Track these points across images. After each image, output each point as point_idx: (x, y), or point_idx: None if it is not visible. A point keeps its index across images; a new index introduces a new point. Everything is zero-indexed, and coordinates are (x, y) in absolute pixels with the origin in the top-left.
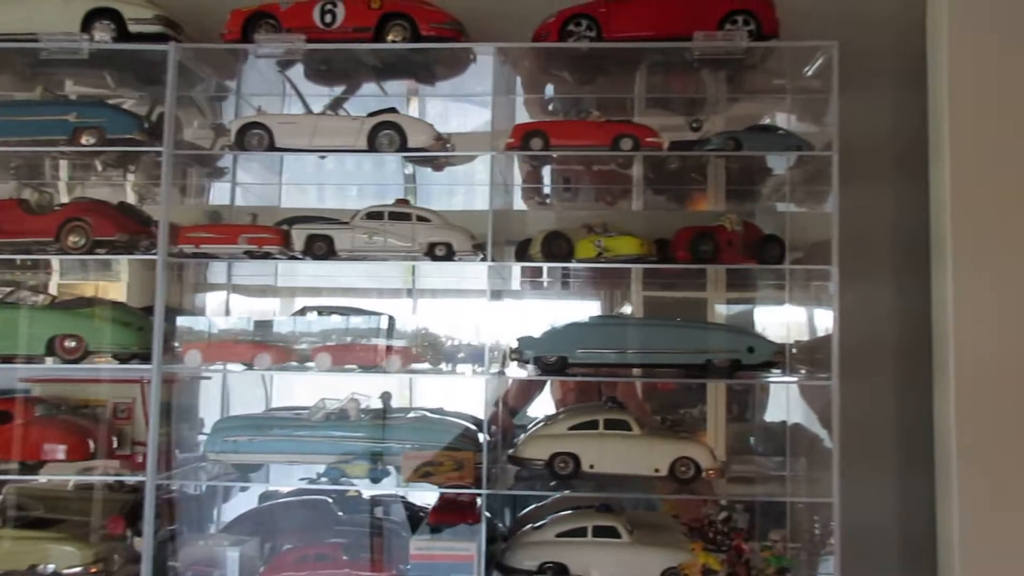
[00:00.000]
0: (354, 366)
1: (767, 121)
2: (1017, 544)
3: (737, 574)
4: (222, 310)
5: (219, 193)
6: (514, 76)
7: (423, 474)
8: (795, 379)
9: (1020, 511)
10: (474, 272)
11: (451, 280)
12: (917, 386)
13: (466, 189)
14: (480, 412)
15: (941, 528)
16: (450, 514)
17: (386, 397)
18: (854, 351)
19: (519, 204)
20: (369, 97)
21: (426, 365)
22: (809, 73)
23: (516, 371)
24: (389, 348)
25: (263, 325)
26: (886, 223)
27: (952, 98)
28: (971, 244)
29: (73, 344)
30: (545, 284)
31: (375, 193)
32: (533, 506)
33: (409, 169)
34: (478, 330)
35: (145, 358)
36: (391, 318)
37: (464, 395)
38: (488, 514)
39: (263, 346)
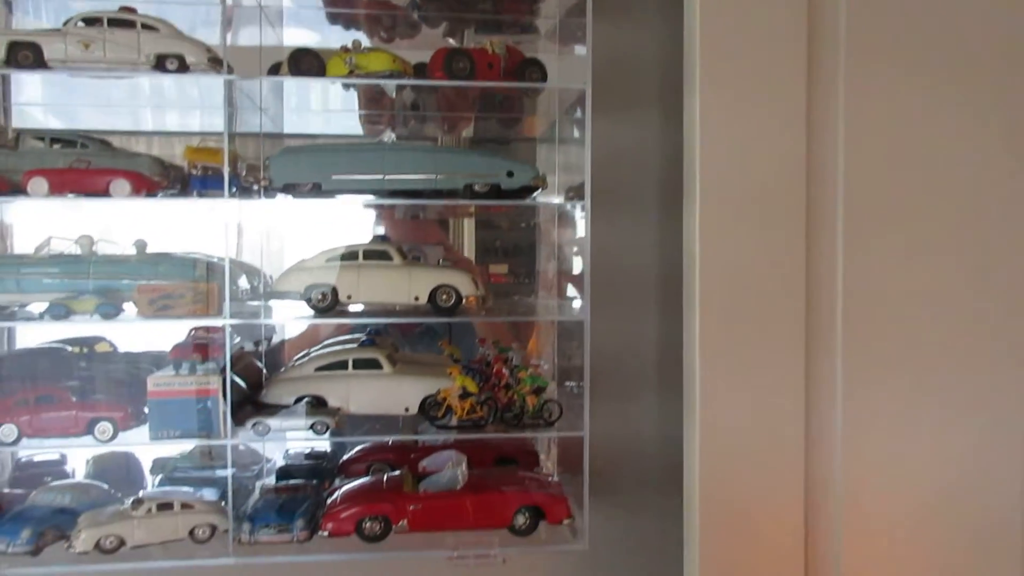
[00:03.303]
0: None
1: None
2: (754, 411)
3: (496, 397)
4: None
5: None
6: None
7: (160, 307)
8: (557, 202)
9: (759, 383)
10: None
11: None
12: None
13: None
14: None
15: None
16: (191, 349)
17: (140, 244)
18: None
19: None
20: None
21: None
22: None
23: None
24: (122, 173)
25: None
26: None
27: None
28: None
29: None
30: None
31: None
32: (303, 353)
33: None
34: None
35: None
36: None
37: None
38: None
39: None
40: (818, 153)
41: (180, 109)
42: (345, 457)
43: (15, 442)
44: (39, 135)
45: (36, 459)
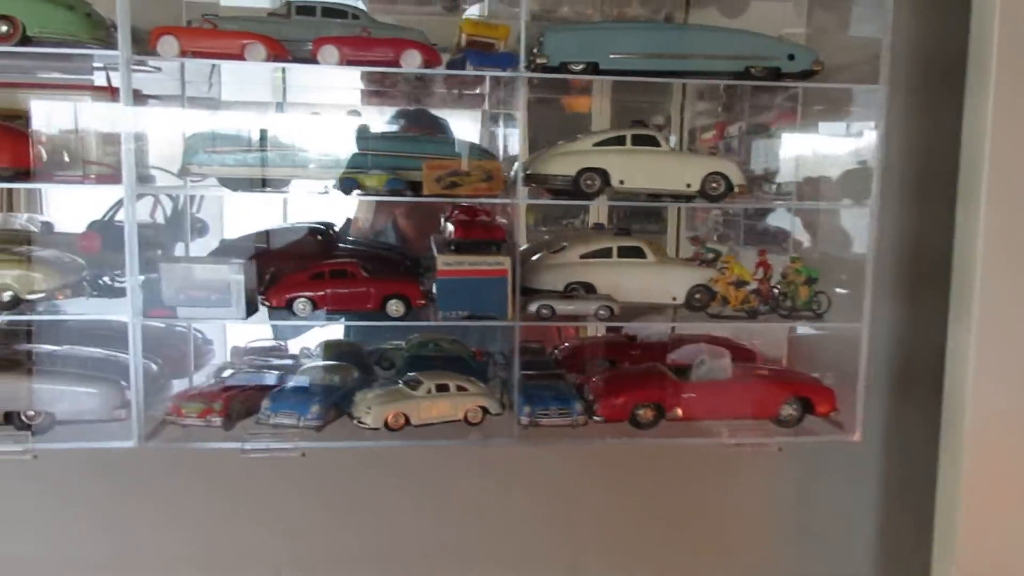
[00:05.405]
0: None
1: None
2: None
3: (760, 291)
4: None
5: None
6: None
7: (448, 184)
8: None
9: None
10: None
11: None
12: None
13: None
14: None
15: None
16: (476, 230)
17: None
18: None
19: None
20: None
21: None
22: None
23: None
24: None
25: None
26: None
27: None
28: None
29: (5, 28)
30: None
31: None
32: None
33: None
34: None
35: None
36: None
37: None
38: None
39: (257, 36)
40: None
41: None
42: (557, 352)
43: (310, 316)
44: (308, 6)
45: (253, 345)
